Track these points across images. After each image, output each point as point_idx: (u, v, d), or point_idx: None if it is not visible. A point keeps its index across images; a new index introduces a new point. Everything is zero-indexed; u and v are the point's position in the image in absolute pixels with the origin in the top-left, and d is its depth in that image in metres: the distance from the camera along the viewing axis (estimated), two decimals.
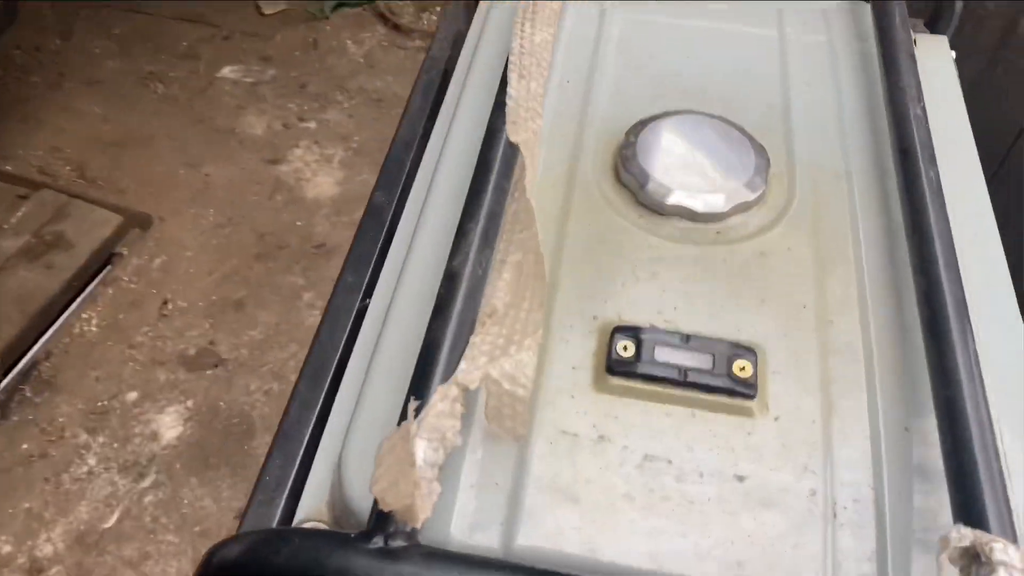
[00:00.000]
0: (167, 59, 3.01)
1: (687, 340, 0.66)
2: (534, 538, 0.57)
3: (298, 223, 2.49)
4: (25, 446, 2.01)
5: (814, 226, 0.75)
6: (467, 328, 0.62)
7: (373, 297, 0.74)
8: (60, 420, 2.05)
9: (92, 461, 1.99)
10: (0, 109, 2.75)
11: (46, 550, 1.84)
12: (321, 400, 0.68)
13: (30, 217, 2.38)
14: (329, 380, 0.69)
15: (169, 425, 2.07)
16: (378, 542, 0.51)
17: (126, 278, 2.32)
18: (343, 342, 0.72)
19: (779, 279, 0.72)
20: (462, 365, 0.58)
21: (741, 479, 0.61)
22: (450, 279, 0.64)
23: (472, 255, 0.65)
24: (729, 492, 0.60)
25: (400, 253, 0.76)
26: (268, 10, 3.25)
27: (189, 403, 2.09)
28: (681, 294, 0.70)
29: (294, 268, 2.38)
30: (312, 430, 0.65)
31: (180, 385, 2.13)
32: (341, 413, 0.66)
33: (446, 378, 0.56)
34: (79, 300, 2.25)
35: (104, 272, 2.32)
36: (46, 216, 2.38)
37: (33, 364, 2.14)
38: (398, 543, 0.51)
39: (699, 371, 0.64)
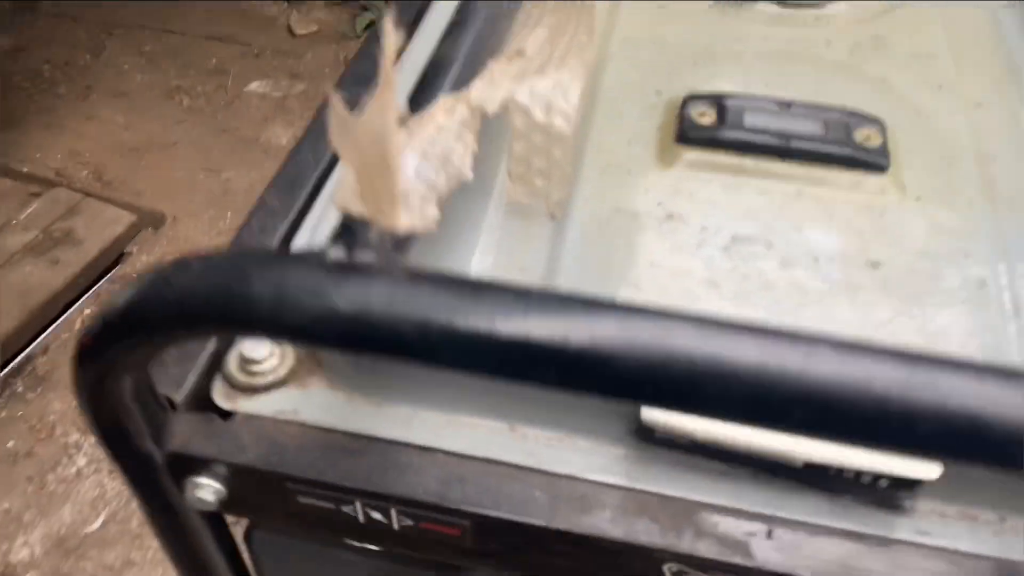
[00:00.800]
0: (195, 74, 2.94)
1: (788, 106, 0.48)
2: None
3: None
4: (11, 443, 1.84)
5: (945, 13, 0.58)
6: (488, 56, 0.45)
7: None
8: (51, 418, 1.89)
9: (81, 462, 1.81)
10: (23, 117, 2.68)
11: (22, 554, 1.65)
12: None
13: (41, 214, 2.27)
14: None
15: None
16: (337, 257, 0.33)
17: (135, 275, 2.18)
18: None
19: (902, 60, 0.54)
20: (475, 83, 0.41)
21: (876, 265, 0.42)
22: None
23: None
24: (860, 279, 0.42)
25: None
26: (300, 30, 3.20)
27: None
28: (774, 71, 0.53)
29: None
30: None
31: None
32: None
33: None
34: (84, 297, 2.11)
35: (113, 270, 2.19)
36: (57, 213, 2.27)
37: (28, 359, 1.99)
38: (366, 261, 0.33)
39: (808, 138, 0.46)
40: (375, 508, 0.43)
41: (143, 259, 2.23)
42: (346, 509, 0.45)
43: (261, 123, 2.74)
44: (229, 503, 0.45)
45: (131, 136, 2.65)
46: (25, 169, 2.48)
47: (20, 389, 1.94)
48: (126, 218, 2.28)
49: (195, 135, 2.67)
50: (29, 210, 2.28)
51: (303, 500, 0.44)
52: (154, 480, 0.44)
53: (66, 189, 2.35)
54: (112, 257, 2.21)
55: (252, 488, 0.45)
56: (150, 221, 2.31)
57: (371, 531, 0.44)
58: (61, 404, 1.92)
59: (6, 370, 1.96)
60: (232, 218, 2.39)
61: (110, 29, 3.14)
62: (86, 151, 2.57)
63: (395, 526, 0.44)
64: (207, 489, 0.45)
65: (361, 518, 0.44)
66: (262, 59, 3.03)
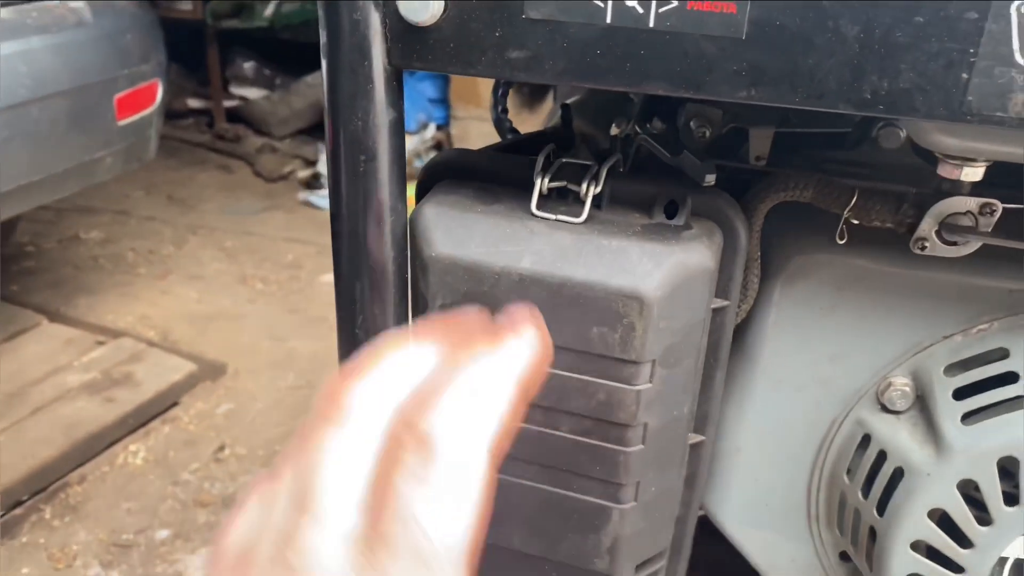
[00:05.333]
0: (271, 266, 3.04)
1: None
2: None
3: None
4: (25, 570, 1.64)
5: None
6: None
7: None
8: (74, 547, 1.70)
9: None
10: (101, 288, 2.75)
11: None
12: None
13: (103, 358, 2.24)
14: None
15: (199, 568, 1.69)
16: None
17: (186, 418, 2.08)
18: None
19: None
20: None
21: None
22: None
23: None
24: None
25: None
26: None
27: None
28: None
29: None
30: None
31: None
32: None
33: None
34: (131, 434, 2.00)
35: (166, 413, 2.09)
36: (120, 359, 2.23)
37: (63, 487, 1.84)
38: None
39: None
40: None
41: (198, 405, 2.14)
42: None
43: (330, 306, 2.75)
44: None
45: (201, 308, 2.67)
46: (92, 320, 2.48)
47: (48, 516, 1.77)
48: (186, 367, 2.23)
49: (265, 312, 2.69)
50: (93, 354, 2.25)
51: None
52: None
53: (131, 339, 2.33)
54: (168, 402, 2.13)
55: None
56: (210, 373, 2.25)
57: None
58: (87, 535, 1.74)
59: (37, 497, 1.80)
60: (294, 378, 2.32)
61: (195, 230, 3.31)
62: (156, 316, 2.59)
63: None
64: None
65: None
66: None
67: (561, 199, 0.51)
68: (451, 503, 0.29)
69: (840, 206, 0.48)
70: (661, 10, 0.38)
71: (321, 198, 3.65)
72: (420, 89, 3.65)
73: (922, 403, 0.51)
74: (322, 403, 0.30)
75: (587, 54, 0.39)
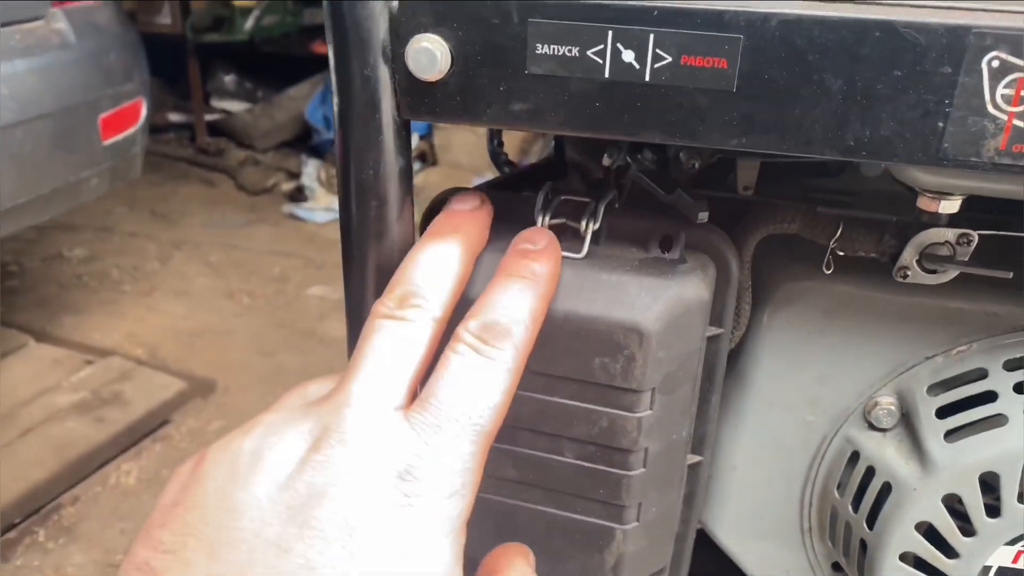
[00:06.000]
0: (257, 280, 3.04)
1: None
2: None
3: None
4: None
5: None
6: None
7: None
8: (69, 570, 1.70)
9: None
10: (86, 306, 2.74)
11: None
12: None
13: (92, 378, 2.24)
14: None
15: None
16: None
17: (178, 437, 2.09)
18: None
19: None
20: None
21: None
22: None
23: None
24: None
25: None
26: None
27: None
28: None
29: None
30: None
31: None
32: None
33: None
34: (123, 454, 2.00)
35: (157, 431, 2.10)
36: (109, 378, 2.24)
37: (56, 509, 1.84)
38: None
39: None
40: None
41: (189, 423, 2.14)
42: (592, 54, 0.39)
43: (318, 319, 2.77)
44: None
45: (189, 324, 2.68)
46: (78, 339, 2.48)
47: (41, 538, 1.77)
48: (176, 385, 2.23)
49: (252, 326, 2.70)
50: (81, 374, 2.25)
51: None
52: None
53: (120, 357, 2.33)
54: (158, 420, 2.13)
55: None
56: (200, 390, 2.26)
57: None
58: (82, 557, 1.74)
59: (31, 519, 1.80)
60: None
61: (179, 245, 3.30)
62: (143, 333, 2.59)
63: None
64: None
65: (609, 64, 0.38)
66: (323, 270, 3.14)
67: (559, 234, 0.53)
68: (486, 383, 0.39)
69: (826, 237, 0.51)
70: (656, 65, 0.40)
71: (306, 211, 3.66)
72: None
73: (907, 421, 0.54)
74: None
75: (587, 106, 0.42)
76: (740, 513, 0.63)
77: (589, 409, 0.52)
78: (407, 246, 0.50)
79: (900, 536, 0.52)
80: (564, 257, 0.52)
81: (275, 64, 4.22)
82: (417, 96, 0.43)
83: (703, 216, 0.49)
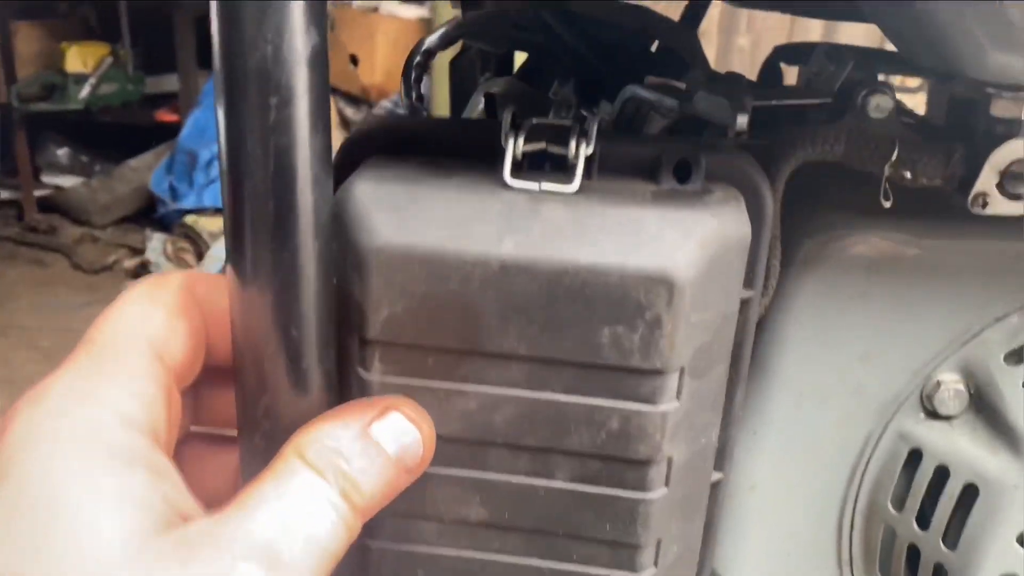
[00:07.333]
0: None
1: None
2: None
3: None
4: None
5: None
6: None
7: None
8: None
9: None
10: None
11: None
12: None
13: None
14: None
15: None
16: None
17: None
18: None
19: None
20: None
21: None
22: None
23: None
24: None
25: None
26: None
27: None
28: None
29: None
30: None
31: None
32: None
33: None
34: None
35: None
36: None
37: None
38: None
39: None
40: None
41: None
42: None
43: None
44: None
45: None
46: None
47: None
48: None
49: None
50: None
51: None
52: None
53: None
54: None
55: None
56: None
57: None
58: None
59: None
60: None
61: (3, 331, 2.95)
62: None
63: None
64: None
65: None
66: None
67: (536, 168, 0.39)
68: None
69: (879, 162, 0.39)
70: None
71: None
72: None
73: (980, 401, 0.42)
74: None
75: None
76: (759, 548, 0.49)
77: (593, 406, 0.37)
78: (325, 188, 0.34)
79: (998, 553, 0.40)
80: (551, 192, 0.38)
81: (115, 134, 3.91)
82: None
83: (742, 121, 0.36)
